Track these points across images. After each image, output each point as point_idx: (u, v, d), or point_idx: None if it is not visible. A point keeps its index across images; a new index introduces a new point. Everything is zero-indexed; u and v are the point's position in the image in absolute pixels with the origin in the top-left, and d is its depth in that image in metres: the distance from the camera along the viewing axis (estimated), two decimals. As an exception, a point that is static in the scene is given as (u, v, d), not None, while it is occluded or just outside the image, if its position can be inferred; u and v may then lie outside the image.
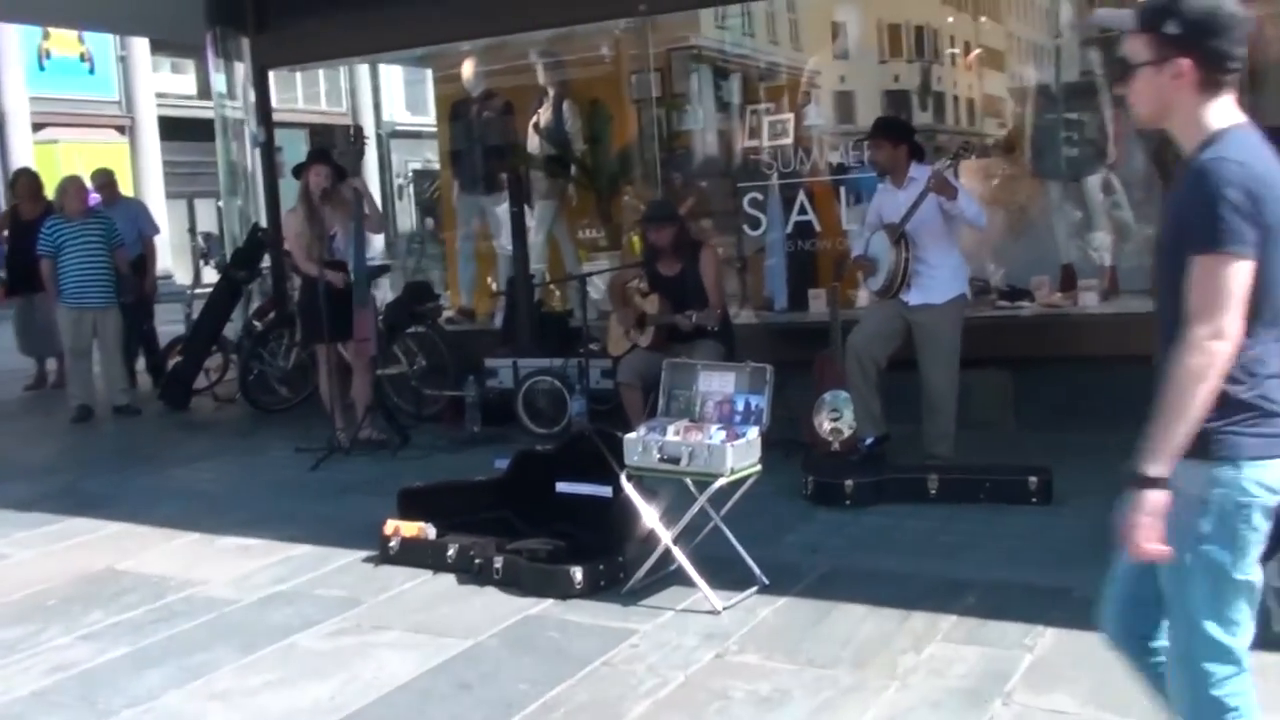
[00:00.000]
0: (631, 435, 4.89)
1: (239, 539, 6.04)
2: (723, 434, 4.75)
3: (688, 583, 4.76)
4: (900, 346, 6.47)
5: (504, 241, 9.79)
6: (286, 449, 8.07)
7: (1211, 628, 2.48)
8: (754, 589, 4.82)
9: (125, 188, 21.66)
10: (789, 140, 8.92)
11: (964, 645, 4.20)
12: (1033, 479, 5.83)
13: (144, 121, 25.33)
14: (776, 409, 5.08)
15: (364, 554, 5.59)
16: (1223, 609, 2.48)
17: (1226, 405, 2.40)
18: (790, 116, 8.98)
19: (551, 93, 9.94)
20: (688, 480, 4.80)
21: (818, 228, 8.69)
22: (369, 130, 23.76)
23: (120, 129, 25.10)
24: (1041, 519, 5.61)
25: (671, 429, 4.86)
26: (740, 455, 4.69)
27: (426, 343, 8.91)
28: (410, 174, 24.36)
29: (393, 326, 8.78)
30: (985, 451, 6.64)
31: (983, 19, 9.90)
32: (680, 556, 4.78)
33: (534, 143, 10.06)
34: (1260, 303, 2.38)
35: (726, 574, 4.85)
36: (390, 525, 5.56)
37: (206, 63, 12.03)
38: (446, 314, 9.94)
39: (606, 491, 5.23)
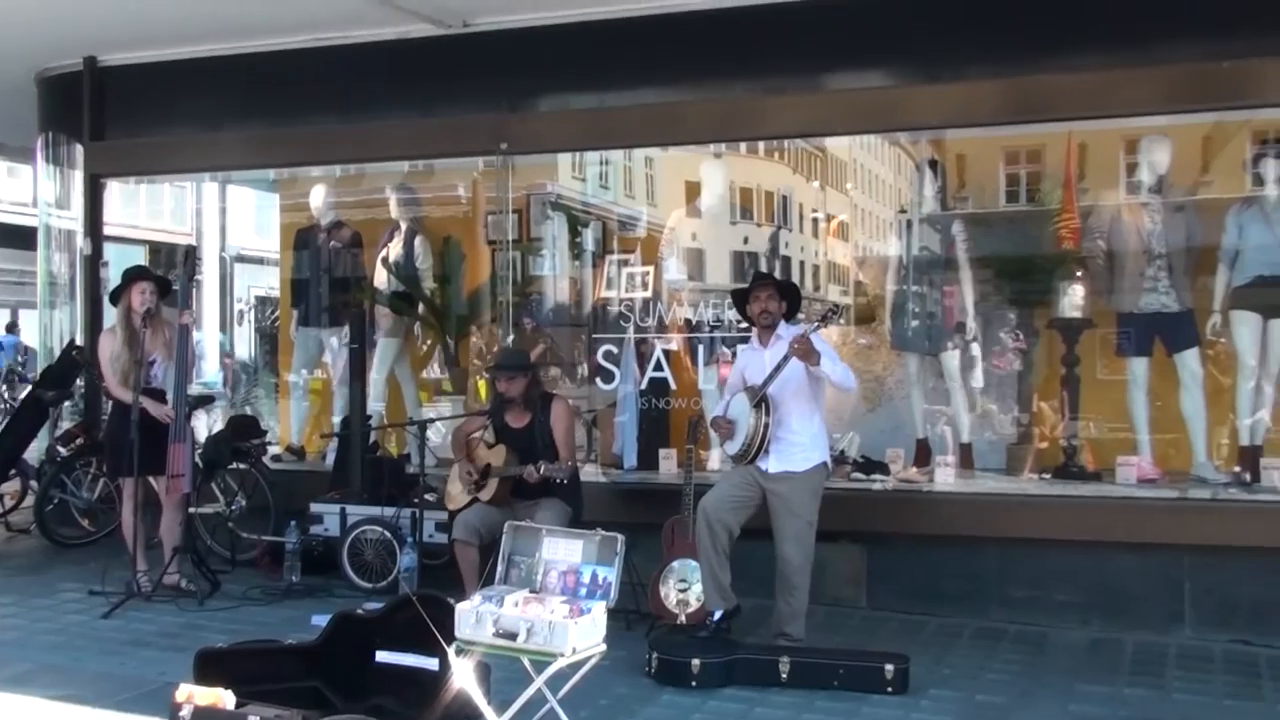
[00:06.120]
0: (465, 604, 4.41)
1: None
2: (566, 608, 4.30)
3: (516, 774, 4.26)
4: (753, 515, 6.14)
5: (341, 378, 9.27)
6: (80, 590, 7.36)
7: None
8: (590, 786, 4.35)
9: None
10: (648, 293, 8.67)
11: None
12: (889, 667, 5.50)
13: (-29, 225, 24.14)
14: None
15: (149, 723, 4.97)
16: None
17: None
18: (650, 269, 8.75)
19: (404, 227, 9.55)
20: (524, 659, 4.33)
21: (673, 385, 8.39)
22: (213, 252, 22.92)
23: (-55, 232, 23.85)
24: (898, 711, 5.26)
25: (510, 600, 4.39)
26: (583, 634, 4.24)
27: (248, 481, 8.29)
28: (252, 300, 23.54)
29: (212, 462, 8.13)
30: (837, 631, 6.33)
31: (833, 189, 9.98)
32: (510, 745, 4.29)
33: (381, 277, 9.62)
34: None
35: (560, 765, 4.38)
36: (183, 690, 4.88)
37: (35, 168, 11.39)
38: (273, 451, 9.30)
39: (432, 664, 4.72)
